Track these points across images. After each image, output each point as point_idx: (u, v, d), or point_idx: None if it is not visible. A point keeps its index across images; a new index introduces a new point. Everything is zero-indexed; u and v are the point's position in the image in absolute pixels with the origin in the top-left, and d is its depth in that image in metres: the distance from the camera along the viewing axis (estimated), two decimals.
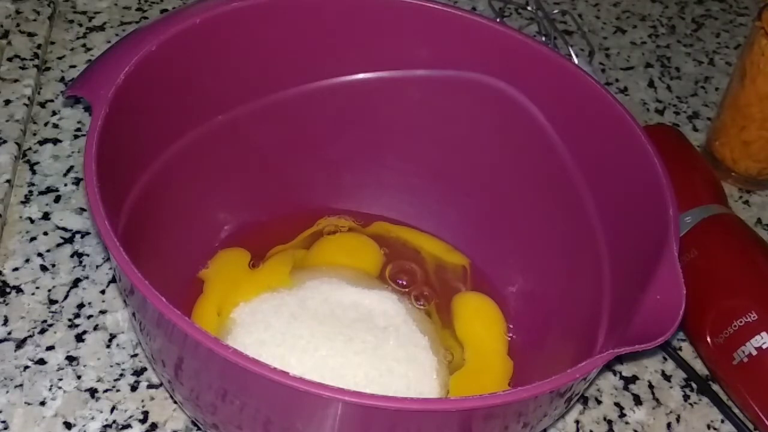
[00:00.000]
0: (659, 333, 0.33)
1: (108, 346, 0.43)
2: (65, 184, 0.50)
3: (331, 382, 0.29)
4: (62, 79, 0.56)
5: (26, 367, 0.41)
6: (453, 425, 0.33)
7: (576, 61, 0.60)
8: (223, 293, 0.44)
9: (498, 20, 0.64)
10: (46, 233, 0.47)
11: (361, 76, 0.46)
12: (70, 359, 0.42)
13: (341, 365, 0.39)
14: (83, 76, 0.40)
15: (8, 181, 0.48)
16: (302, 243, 0.48)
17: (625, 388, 0.46)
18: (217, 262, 0.46)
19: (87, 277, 0.46)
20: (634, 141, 0.40)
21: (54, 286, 0.45)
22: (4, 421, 0.39)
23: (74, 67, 0.57)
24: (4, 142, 0.50)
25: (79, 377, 0.41)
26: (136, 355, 0.43)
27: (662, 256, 0.35)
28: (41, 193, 0.49)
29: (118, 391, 0.41)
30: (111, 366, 0.42)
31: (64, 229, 0.48)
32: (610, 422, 0.44)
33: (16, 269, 0.45)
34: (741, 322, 0.43)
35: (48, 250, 0.46)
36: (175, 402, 0.41)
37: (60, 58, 0.57)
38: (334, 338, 0.40)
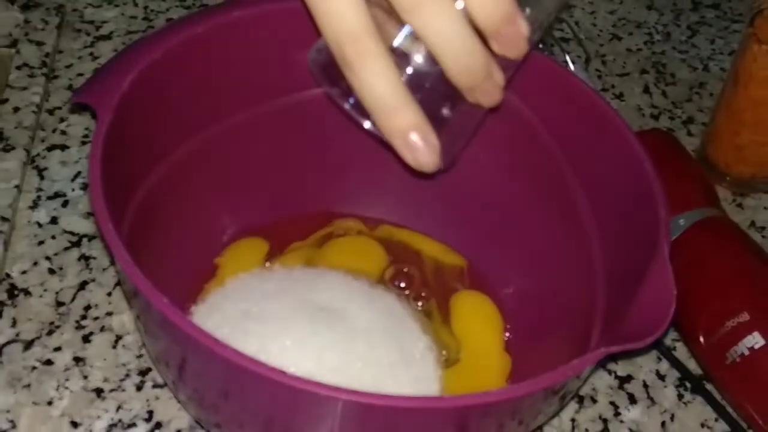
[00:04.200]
0: (650, 332, 0.33)
1: (114, 347, 0.44)
2: (73, 189, 0.50)
3: (329, 381, 0.30)
4: (70, 87, 0.56)
5: (34, 368, 0.42)
6: (449, 423, 0.33)
7: (572, 67, 0.61)
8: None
9: None
10: (53, 237, 0.48)
11: None
12: (77, 360, 0.43)
13: (339, 363, 0.39)
14: (89, 84, 0.40)
15: (17, 186, 0.49)
16: (315, 243, 0.49)
17: (620, 387, 0.46)
18: (234, 250, 0.47)
19: (93, 280, 0.46)
20: (627, 145, 0.40)
21: (61, 289, 0.46)
22: (12, 421, 0.40)
23: (81, 75, 0.57)
24: (13, 148, 0.51)
25: (85, 377, 0.42)
26: (141, 356, 0.43)
27: (653, 256, 0.36)
28: (49, 198, 0.50)
29: (123, 390, 0.42)
30: (117, 366, 0.43)
31: (72, 233, 0.48)
32: (605, 421, 0.45)
33: (24, 272, 0.46)
34: (733, 322, 0.44)
35: (55, 254, 0.47)
36: (179, 401, 0.41)
37: (68, 67, 0.58)
38: (333, 335, 0.40)
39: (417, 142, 0.33)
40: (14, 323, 0.44)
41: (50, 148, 0.53)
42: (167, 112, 0.42)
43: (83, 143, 0.53)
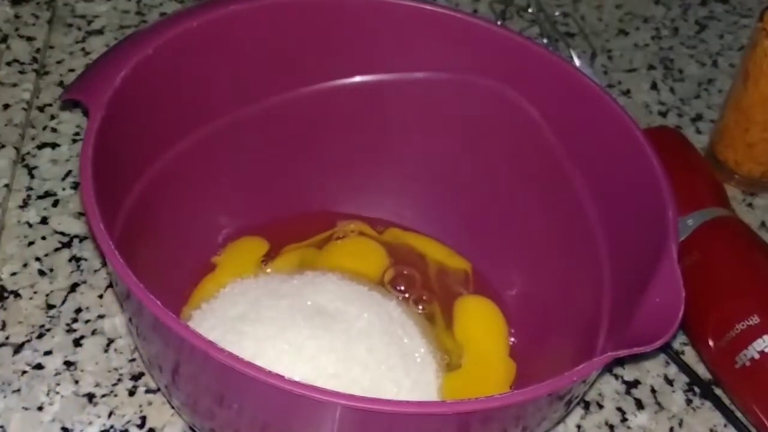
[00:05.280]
0: (658, 335, 0.33)
1: (106, 351, 0.43)
2: (63, 189, 0.50)
3: (327, 385, 0.29)
4: (61, 84, 0.56)
5: (24, 372, 0.41)
6: (451, 429, 0.32)
7: (577, 63, 0.60)
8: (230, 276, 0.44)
9: (499, 22, 0.64)
10: (44, 237, 0.47)
11: (357, 78, 0.46)
12: (68, 364, 0.42)
13: (337, 367, 0.39)
14: (80, 80, 0.40)
15: (6, 185, 0.48)
16: (316, 244, 0.48)
17: (627, 392, 0.45)
18: (233, 249, 0.46)
19: (85, 282, 0.46)
20: (634, 143, 0.40)
21: (52, 291, 0.45)
22: (2, 426, 0.39)
23: (73, 71, 0.57)
24: (3, 146, 0.50)
25: (76, 382, 0.41)
26: (133, 360, 0.43)
27: (662, 258, 0.35)
28: (39, 197, 0.49)
29: (115, 395, 0.41)
30: (109, 371, 0.42)
31: (62, 233, 0.48)
32: (611, 427, 0.44)
33: (14, 274, 0.45)
34: (743, 325, 0.43)
35: (46, 255, 0.46)
36: (173, 407, 0.41)
37: (59, 62, 0.57)
38: (331, 339, 0.40)
39: None
40: (4, 326, 0.43)
41: (41, 146, 0.52)
42: (161, 110, 0.41)
43: (74, 141, 0.53)
